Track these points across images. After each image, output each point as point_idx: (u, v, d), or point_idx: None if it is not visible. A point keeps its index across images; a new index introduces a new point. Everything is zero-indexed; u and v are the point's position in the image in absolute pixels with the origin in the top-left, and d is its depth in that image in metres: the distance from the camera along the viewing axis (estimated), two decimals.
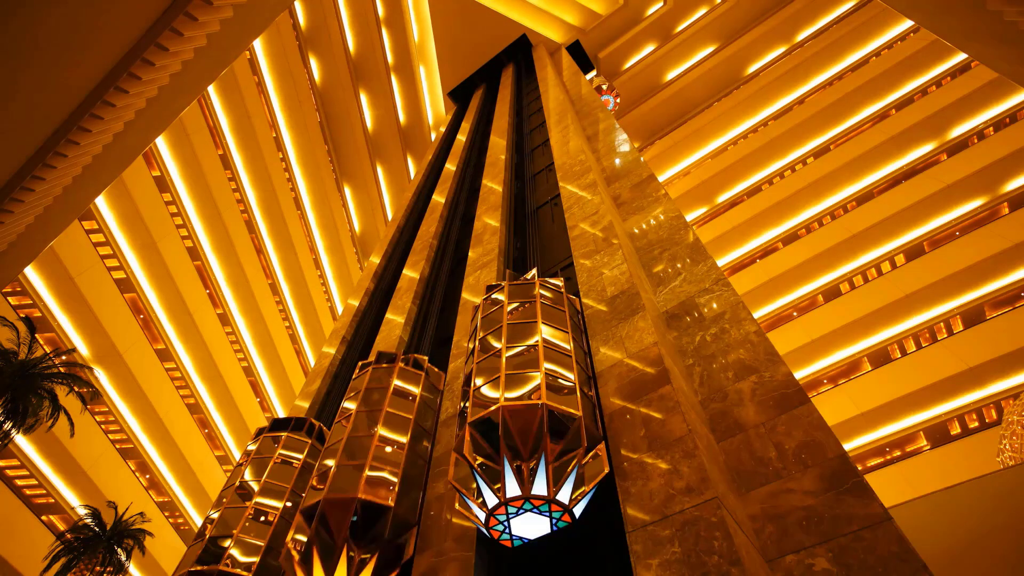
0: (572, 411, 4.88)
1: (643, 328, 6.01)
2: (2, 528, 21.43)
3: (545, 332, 5.86)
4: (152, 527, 23.39)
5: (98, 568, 20.74)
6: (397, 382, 7.37)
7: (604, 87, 30.21)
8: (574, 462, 4.72)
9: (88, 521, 21.23)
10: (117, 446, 27.46)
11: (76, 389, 19.27)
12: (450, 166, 20.96)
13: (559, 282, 6.98)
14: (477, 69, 33.96)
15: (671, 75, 34.41)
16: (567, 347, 5.78)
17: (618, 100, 31.17)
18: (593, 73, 34.80)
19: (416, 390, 7.45)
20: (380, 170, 38.44)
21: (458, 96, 34.99)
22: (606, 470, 4.77)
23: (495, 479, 4.79)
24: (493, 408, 5.01)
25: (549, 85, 20.86)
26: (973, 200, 22.47)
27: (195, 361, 31.10)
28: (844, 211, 25.88)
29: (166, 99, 12.02)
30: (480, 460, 4.94)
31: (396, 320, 11.64)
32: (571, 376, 5.32)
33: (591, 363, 6.27)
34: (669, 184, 32.65)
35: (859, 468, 7.84)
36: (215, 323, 32.19)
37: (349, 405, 7.25)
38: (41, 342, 21.90)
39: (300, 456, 7.58)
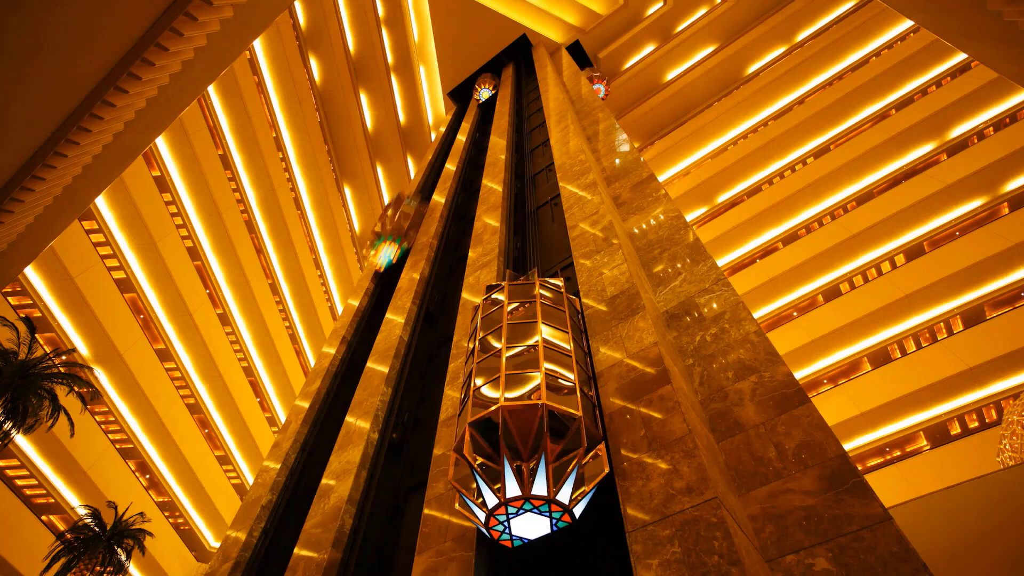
0: (572, 411, 4.76)
1: (643, 328, 6.01)
2: (2, 528, 21.44)
3: (545, 332, 5.65)
4: (152, 527, 23.44)
5: (98, 568, 20.76)
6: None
7: (595, 76, 30.61)
8: (574, 462, 4.62)
9: (88, 521, 21.27)
10: (117, 446, 27.47)
11: (76, 389, 19.30)
12: (450, 166, 20.95)
13: (559, 282, 6.77)
14: (477, 69, 33.94)
15: (671, 75, 34.41)
16: (567, 347, 5.62)
17: (608, 89, 31.51)
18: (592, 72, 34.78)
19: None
20: (380, 170, 38.42)
21: (458, 96, 34.96)
22: (606, 470, 4.71)
23: (495, 479, 4.71)
24: (493, 408, 4.87)
25: (549, 85, 20.84)
26: (973, 200, 22.47)
27: (195, 361, 31.13)
28: (844, 211, 25.87)
29: (166, 99, 12.03)
30: (480, 460, 4.83)
31: (396, 320, 11.64)
32: (571, 376, 5.19)
33: (591, 363, 6.15)
34: (669, 184, 32.64)
35: (859, 468, 7.83)
36: (215, 323, 32.23)
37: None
38: (41, 342, 21.91)
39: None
